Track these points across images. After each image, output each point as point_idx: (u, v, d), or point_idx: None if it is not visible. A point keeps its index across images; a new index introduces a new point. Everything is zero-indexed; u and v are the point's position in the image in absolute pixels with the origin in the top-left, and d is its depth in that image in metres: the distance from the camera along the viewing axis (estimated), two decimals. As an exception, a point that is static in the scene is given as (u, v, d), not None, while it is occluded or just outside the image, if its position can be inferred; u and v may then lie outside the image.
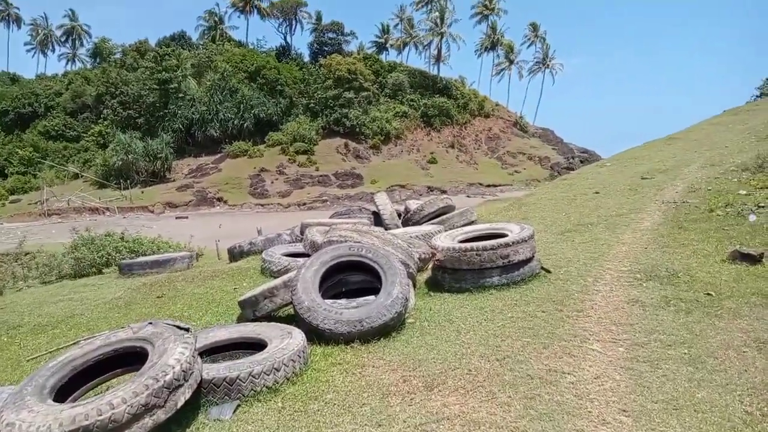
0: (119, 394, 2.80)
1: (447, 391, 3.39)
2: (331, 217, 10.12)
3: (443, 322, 4.73)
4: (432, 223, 9.22)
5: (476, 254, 5.35)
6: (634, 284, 5.25)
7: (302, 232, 8.21)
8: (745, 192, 8.10)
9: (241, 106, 63.21)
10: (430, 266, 6.09)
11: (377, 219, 9.76)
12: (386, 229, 9.29)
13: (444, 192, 59.05)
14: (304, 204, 51.16)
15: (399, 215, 12.12)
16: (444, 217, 9.24)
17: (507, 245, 5.35)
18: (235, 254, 8.75)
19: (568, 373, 3.52)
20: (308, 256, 6.85)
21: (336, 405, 3.33)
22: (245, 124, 63.16)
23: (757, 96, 20.97)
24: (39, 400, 2.91)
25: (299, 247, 7.45)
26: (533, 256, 5.63)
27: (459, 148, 71.34)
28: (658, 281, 5.26)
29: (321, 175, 58.14)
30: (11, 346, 5.57)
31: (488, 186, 63.58)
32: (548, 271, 5.69)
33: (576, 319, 4.49)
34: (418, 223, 9.50)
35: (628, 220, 7.84)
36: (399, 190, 56.45)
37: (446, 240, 5.97)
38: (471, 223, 9.42)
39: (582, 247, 6.80)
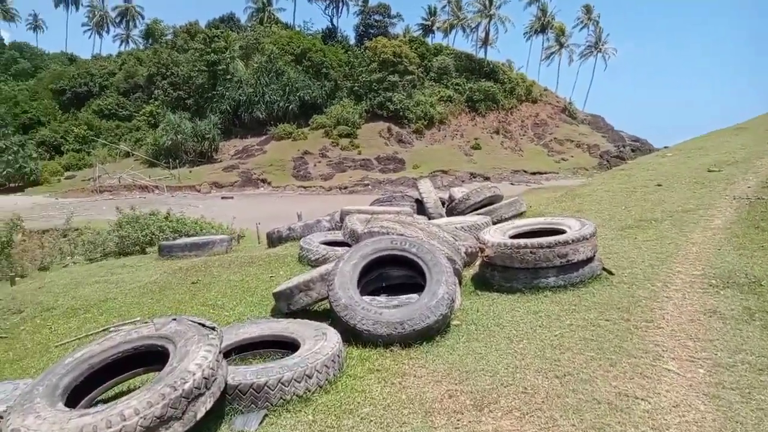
0: (132, 404, 2.50)
1: (500, 413, 2.97)
2: (372, 204, 9.76)
3: (492, 326, 4.30)
4: (478, 214, 8.73)
5: (530, 252, 4.86)
6: (709, 292, 4.66)
7: (342, 220, 7.88)
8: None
9: (287, 88, 63.50)
10: (478, 262, 5.62)
11: (420, 207, 9.33)
12: (429, 219, 8.87)
13: (487, 179, 57.87)
14: (346, 187, 51.13)
15: (443, 203, 11.65)
16: (491, 207, 8.72)
17: (566, 243, 4.83)
18: (274, 239, 8.52)
19: (642, 399, 3.04)
20: (347, 245, 6.51)
21: (373, 422, 2.96)
22: (290, 107, 63.46)
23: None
24: (49, 404, 2.65)
25: (338, 235, 7.11)
26: (594, 256, 5.09)
27: (504, 134, 69.71)
28: (737, 289, 4.65)
29: (363, 159, 57.95)
30: (43, 330, 5.48)
31: (533, 174, 61.95)
32: (611, 273, 5.15)
33: (646, 331, 3.97)
34: (463, 212, 9.02)
35: (697, 217, 7.13)
36: (441, 175, 55.67)
37: (496, 234, 5.49)
38: (520, 214, 8.89)
39: (646, 246, 6.18)
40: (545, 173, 62.84)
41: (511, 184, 56.17)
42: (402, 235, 4.91)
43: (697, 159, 10.70)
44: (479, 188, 8.97)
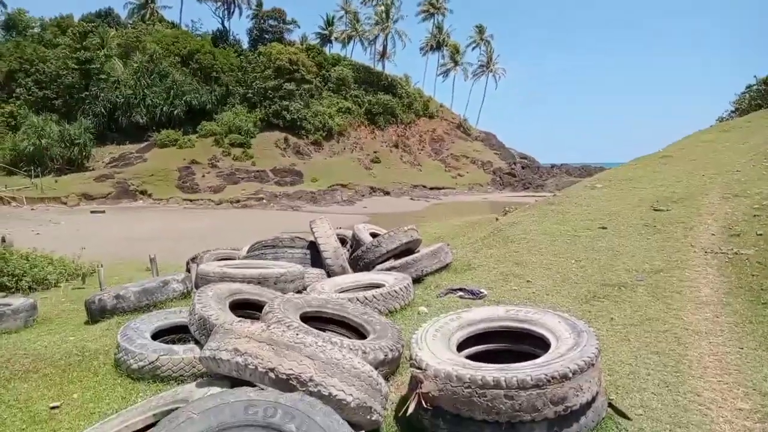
0: None
1: None
2: (252, 249, 7.27)
3: None
4: (394, 266, 6.58)
5: (505, 397, 2.73)
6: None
7: (197, 284, 5.35)
8: (815, 242, 6.00)
9: (172, 91, 58.31)
10: (411, 406, 3.29)
11: (316, 252, 6.99)
12: (328, 272, 6.57)
13: (387, 193, 56.71)
14: (238, 201, 47.32)
15: (344, 242, 9.37)
16: (409, 259, 6.61)
17: (564, 378, 2.76)
18: (94, 312, 5.74)
19: None
20: (194, 338, 4.07)
21: None
22: (175, 112, 58.29)
23: (732, 111, 19.87)
24: None
25: (185, 315, 4.59)
26: (599, 390, 3.08)
27: (403, 149, 69.27)
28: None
29: (258, 171, 54.34)
30: None
31: (432, 189, 61.85)
32: (626, 417, 3.14)
33: None
34: (372, 264, 6.82)
35: (675, 282, 5.52)
36: (341, 189, 53.63)
37: (439, 348, 3.27)
38: (446, 266, 6.87)
39: (636, 337, 4.34)
40: (443, 188, 63.02)
41: (411, 199, 55.41)
42: (264, 392, 2.55)
43: (633, 193, 9.42)
44: (393, 232, 6.84)
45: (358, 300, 5.11)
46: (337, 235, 9.36)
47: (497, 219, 11.08)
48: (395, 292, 5.37)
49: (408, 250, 7.27)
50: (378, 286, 5.92)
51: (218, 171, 53.33)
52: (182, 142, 56.30)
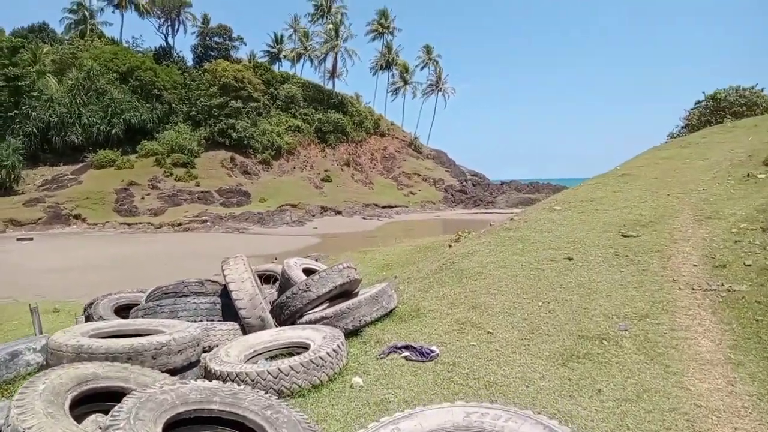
0: None
1: None
2: (147, 301, 5.86)
3: None
4: (324, 315, 5.32)
5: None
6: None
7: (47, 360, 3.95)
8: (814, 275, 5.16)
9: (110, 109, 55.40)
10: None
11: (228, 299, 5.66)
12: (244, 327, 5.27)
13: (339, 213, 55.30)
14: (180, 224, 44.83)
15: (269, 278, 8.08)
16: (344, 307, 5.37)
17: None
18: None
19: None
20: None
21: None
22: (114, 131, 55.35)
23: (682, 127, 19.78)
24: None
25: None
26: None
27: (354, 167, 68.28)
28: None
29: (202, 192, 51.97)
30: None
31: (384, 207, 60.95)
32: None
33: None
34: (299, 313, 5.54)
35: (666, 332, 4.51)
36: (290, 209, 51.86)
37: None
38: (390, 312, 5.67)
39: (635, 421, 3.26)
40: (395, 207, 62.22)
41: (363, 218, 54.24)
42: None
43: (596, 216, 8.53)
44: (326, 273, 5.58)
45: (269, 375, 3.84)
46: (266, 272, 8.04)
47: (450, 245, 10.00)
48: (321, 359, 4.12)
49: (346, 291, 6.04)
50: (302, 347, 4.65)
51: (159, 192, 50.65)
52: (120, 163, 53.41)
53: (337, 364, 4.28)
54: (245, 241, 36.16)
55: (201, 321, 5.38)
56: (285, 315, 5.57)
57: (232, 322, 5.35)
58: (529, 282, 6.08)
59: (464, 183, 75.10)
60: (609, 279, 5.92)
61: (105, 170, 52.84)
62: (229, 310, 5.58)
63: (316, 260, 9.49)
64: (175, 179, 52.72)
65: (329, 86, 73.03)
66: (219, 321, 5.43)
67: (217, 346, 4.95)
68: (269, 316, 5.44)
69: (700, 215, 7.79)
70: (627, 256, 6.57)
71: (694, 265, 5.97)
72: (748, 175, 9.33)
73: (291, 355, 4.64)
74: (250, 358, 4.61)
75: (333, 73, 73.36)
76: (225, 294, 5.74)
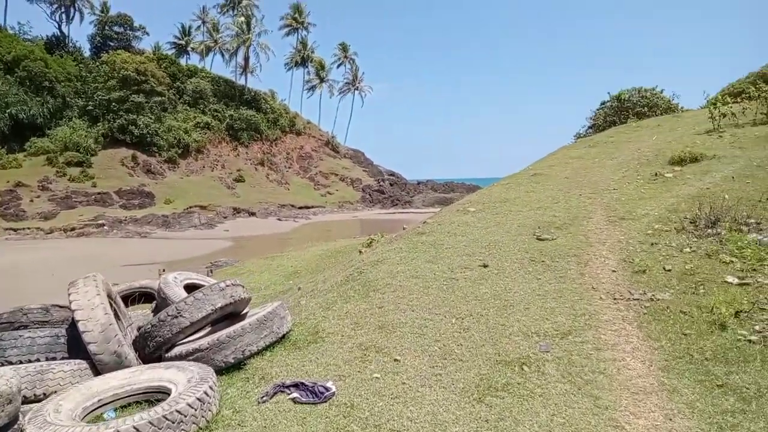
0: None
1: None
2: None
3: None
4: (198, 347, 4.36)
5: None
6: None
7: None
8: (734, 279, 4.89)
9: (-8, 103, 49.78)
10: None
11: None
12: (97, 369, 4.22)
13: (252, 214, 53.09)
14: (74, 229, 40.98)
15: (151, 297, 6.98)
16: (223, 337, 4.43)
17: None
18: None
19: None
20: None
21: None
22: (-2, 126, 49.80)
23: (588, 127, 20.32)
24: None
25: None
26: None
27: (269, 167, 66.14)
28: None
29: (99, 193, 47.92)
30: None
31: (300, 208, 59.44)
32: None
33: None
34: (167, 344, 4.54)
35: (591, 353, 3.99)
36: (199, 211, 49.09)
37: None
38: (283, 337, 4.82)
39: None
40: (312, 207, 60.90)
41: (279, 219, 52.44)
42: None
43: (510, 218, 8.11)
44: (203, 294, 4.61)
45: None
46: (143, 289, 6.88)
47: (360, 251, 9.25)
48: (179, 413, 3.19)
49: (232, 314, 5.10)
50: (162, 392, 3.69)
51: (51, 194, 46.14)
52: (6, 162, 48.16)
53: (203, 417, 3.37)
54: (146, 246, 33.57)
55: (37, 360, 4.26)
56: (151, 348, 4.55)
57: (79, 361, 4.27)
58: (441, 294, 5.44)
59: (382, 183, 75.03)
60: (526, 288, 5.40)
61: (-13, 170, 47.46)
62: (79, 345, 4.47)
63: (209, 274, 8.40)
64: (68, 180, 48.31)
65: (242, 82, 70.28)
66: (62, 360, 4.31)
67: (55, 392, 3.87)
68: (128, 350, 4.39)
69: (614, 216, 7.56)
70: (543, 261, 6.11)
71: (613, 271, 5.59)
72: (656, 174, 9.33)
73: (150, 403, 3.67)
74: (92, 411, 3.59)
75: (245, 69, 70.64)
76: (66, 331, 4.62)
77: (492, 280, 5.74)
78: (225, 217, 49.98)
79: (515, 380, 3.71)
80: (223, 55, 74.57)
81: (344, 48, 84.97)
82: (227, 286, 4.79)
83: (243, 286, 5.07)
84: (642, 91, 19.58)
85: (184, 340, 4.69)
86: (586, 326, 4.39)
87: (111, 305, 4.76)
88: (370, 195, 69.00)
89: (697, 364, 3.71)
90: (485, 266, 6.15)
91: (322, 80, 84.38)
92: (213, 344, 4.35)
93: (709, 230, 6.24)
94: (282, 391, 3.79)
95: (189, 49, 73.30)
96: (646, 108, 18.59)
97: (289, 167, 69.11)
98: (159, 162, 55.31)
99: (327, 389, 3.72)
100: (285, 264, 12.90)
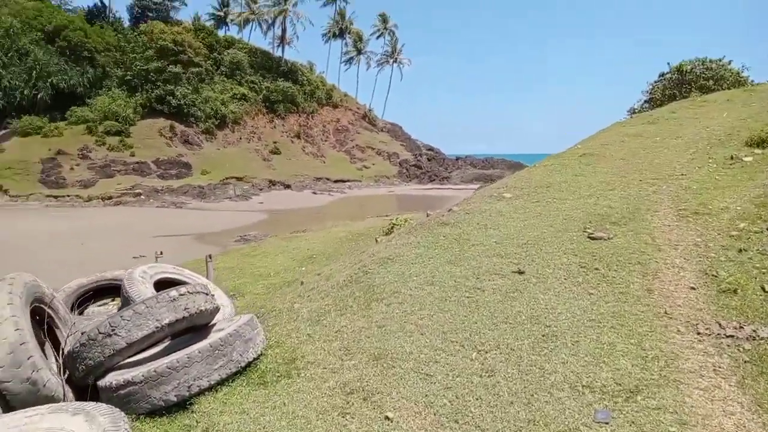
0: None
1: None
2: None
3: None
4: (131, 379, 3.33)
5: None
6: None
7: None
8: None
9: (34, 72, 50.35)
10: None
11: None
12: (6, 400, 3.17)
13: (288, 186, 52.60)
14: (111, 198, 41.38)
15: (114, 289, 5.94)
16: (163, 368, 3.37)
17: None
18: None
19: None
20: None
21: None
22: (40, 95, 50.51)
23: (645, 101, 18.38)
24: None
25: None
26: None
27: (305, 139, 65.35)
28: None
29: (137, 162, 48.22)
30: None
31: (336, 181, 58.63)
32: None
33: None
34: (100, 368, 3.52)
35: (673, 430, 2.75)
36: (235, 183, 48.91)
37: None
38: (247, 365, 3.74)
39: None
40: (348, 181, 60.01)
41: (314, 193, 51.78)
42: None
43: (554, 208, 6.78)
44: (147, 305, 3.57)
45: None
46: (111, 281, 5.90)
47: (377, 240, 8.10)
48: None
49: (193, 328, 4.04)
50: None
51: (90, 163, 46.68)
52: (48, 130, 48.84)
53: None
54: (179, 217, 33.37)
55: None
56: (80, 372, 3.54)
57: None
58: (462, 312, 4.24)
59: (419, 158, 73.29)
60: (574, 309, 4.14)
61: (30, 138, 48.26)
62: None
63: (208, 260, 7.42)
64: (108, 149, 48.73)
65: (279, 53, 69.30)
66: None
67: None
68: (49, 375, 3.39)
69: (684, 209, 6.12)
70: (597, 269, 4.81)
71: (692, 288, 4.25)
72: (732, 157, 7.77)
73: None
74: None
75: (282, 40, 69.55)
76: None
77: (529, 293, 4.50)
78: (260, 189, 49.68)
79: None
80: (261, 26, 73.68)
81: (384, 19, 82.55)
82: (180, 295, 3.72)
83: (207, 294, 4.00)
84: (707, 62, 17.48)
85: (122, 363, 3.66)
86: (662, 379, 3.13)
87: (39, 315, 3.77)
88: (407, 170, 67.50)
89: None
90: (521, 273, 4.90)
91: (359, 52, 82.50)
92: (149, 377, 3.31)
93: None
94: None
95: (228, 20, 72.63)
96: (711, 81, 16.56)
97: (326, 140, 68.17)
98: (196, 133, 55.24)
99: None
100: (302, 246, 11.91)
